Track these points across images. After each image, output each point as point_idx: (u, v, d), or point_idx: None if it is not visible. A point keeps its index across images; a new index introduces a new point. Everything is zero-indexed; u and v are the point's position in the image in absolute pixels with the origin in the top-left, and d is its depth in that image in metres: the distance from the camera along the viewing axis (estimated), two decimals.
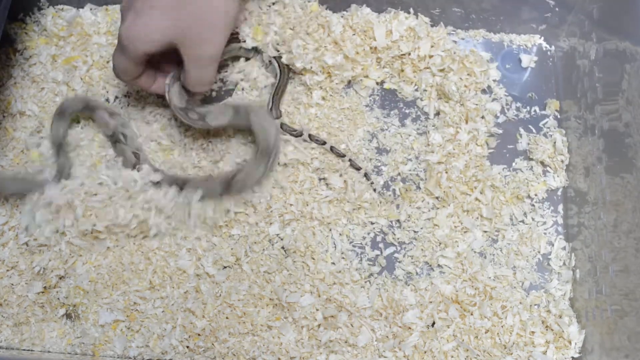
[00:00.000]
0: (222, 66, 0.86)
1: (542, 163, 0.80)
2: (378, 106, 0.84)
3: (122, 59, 0.69)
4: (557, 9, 0.82)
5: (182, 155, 0.80)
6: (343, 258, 0.75)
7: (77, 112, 0.79)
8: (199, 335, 0.71)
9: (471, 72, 0.82)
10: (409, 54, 0.83)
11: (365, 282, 0.74)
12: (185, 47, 0.68)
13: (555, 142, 0.80)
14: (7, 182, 0.76)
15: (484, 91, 0.83)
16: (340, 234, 0.76)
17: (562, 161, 0.80)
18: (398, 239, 0.76)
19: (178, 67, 0.73)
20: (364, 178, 0.78)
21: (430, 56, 0.83)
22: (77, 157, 0.79)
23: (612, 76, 0.70)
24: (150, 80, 0.74)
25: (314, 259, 0.75)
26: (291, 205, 0.77)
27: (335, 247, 0.76)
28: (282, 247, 0.76)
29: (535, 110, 0.84)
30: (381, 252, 0.76)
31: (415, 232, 0.77)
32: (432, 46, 0.83)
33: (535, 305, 0.73)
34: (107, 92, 0.84)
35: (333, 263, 0.75)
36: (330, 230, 0.76)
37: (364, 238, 0.77)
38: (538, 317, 0.72)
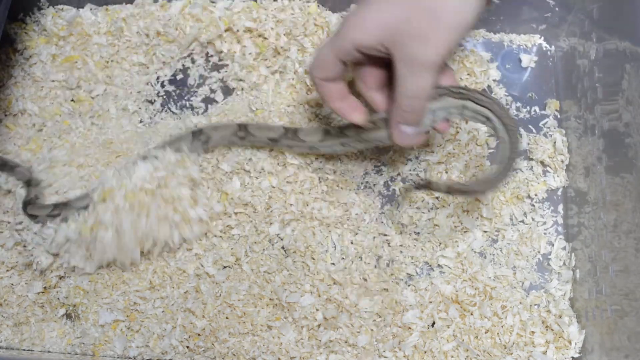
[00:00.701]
0: (221, 66, 0.86)
1: (542, 163, 0.80)
2: None
3: (327, 51, 0.61)
4: (557, 9, 0.82)
5: None
6: (343, 258, 0.75)
7: None
8: (199, 335, 0.71)
9: (471, 72, 0.83)
10: None
11: (365, 282, 0.74)
12: (401, 47, 0.57)
13: (555, 142, 0.80)
14: None
15: (484, 91, 0.83)
16: (339, 235, 0.76)
17: (562, 161, 0.80)
18: (398, 240, 0.76)
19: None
20: None
21: None
22: None
23: (612, 76, 0.70)
24: (338, 94, 0.64)
25: (314, 259, 0.75)
26: (291, 205, 0.77)
27: (335, 247, 0.76)
28: (282, 247, 0.76)
29: (535, 110, 0.84)
30: (381, 253, 0.76)
31: (415, 232, 0.77)
32: None
33: (535, 305, 0.73)
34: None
35: (333, 263, 0.75)
36: (330, 230, 0.76)
37: (364, 238, 0.76)
38: (538, 317, 0.72)
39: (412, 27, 0.56)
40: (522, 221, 0.78)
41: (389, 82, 0.64)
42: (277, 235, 0.76)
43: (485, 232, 0.77)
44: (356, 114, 0.66)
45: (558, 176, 0.80)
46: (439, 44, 0.56)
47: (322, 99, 0.66)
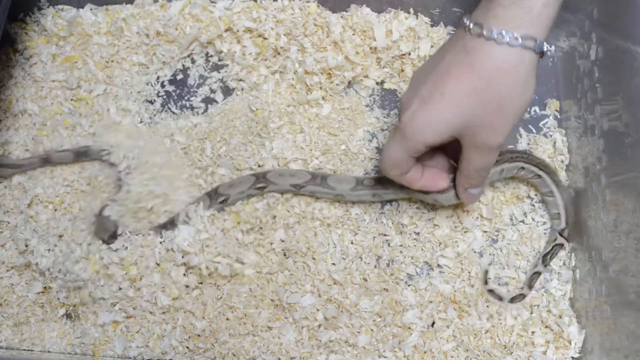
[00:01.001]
0: (221, 66, 0.86)
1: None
2: (378, 106, 0.84)
3: (397, 151, 0.63)
4: None
5: None
6: (344, 258, 0.75)
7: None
8: (198, 336, 0.71)
9: None
10: (409, 54, 0.83)
11: (366, 282, 0.74)
12: (470, 136, 0.61)
13: (555, 142, 0.80)
14: None
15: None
16: (340, 235, 0.76)
17: (562, 161, 0.80)
18: (398, 240, 0.76)
19: (445, 159, 0.70)
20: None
21: (431, 56, 0.83)
22: None
23: (612, 76, 0.70)
24: (417, 176, 0.67)
25: (314, 259, 0.75)
26: (293, 207, 0.77)
27: (335, 247, 0.76)
28: (283, 248, 0.75)
29: (535, 110, 0.84)
30: (381, 252, 0.76)
31: (415, 232, 0.77)
32: (432, 46, 0.83)
33: (535, 305, 0.73)
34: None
35: (334, 263, 0.75)
36: (330, 231, 0.76)
37: (364, 238, 0.76)
38: (538, 317, 0.72)
39: (481, 121, 0.60)
40: (522, 221, 0.78)
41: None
42: (281, 239, 0.76)
43: (485, 232, 0.77)
44: (441, 182, 0.69)
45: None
46: (504, 130, 0.61)
47: (405, 185, 0.69)
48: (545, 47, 0.59)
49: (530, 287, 0.72)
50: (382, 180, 0.73)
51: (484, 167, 0.65)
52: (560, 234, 0.75)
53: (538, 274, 0.73)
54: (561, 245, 0.75)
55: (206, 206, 0.74)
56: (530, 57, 0.58)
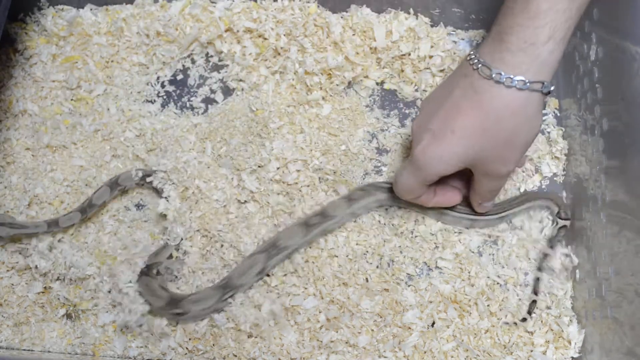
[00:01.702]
0: (221, 66, 0.87)
1: (541, 162, 0.80)
2: (378, 106, 0.84)
3: (411, 180, 0.67)
4: None
5: None
6: (350, 259, 0.75)
7: None
8: (198, 339, 0.71)
9: None
10: (409, 54, 0.83)
11: (367, 282, 0.74)
12: (481, 166, 0.64)
13: (554, 142, 0.80)
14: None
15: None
16: (345, 236, 0.76)
17: (562, 161, 0.80)
18: (397, 241, 0.76)
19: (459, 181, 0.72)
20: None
21: (430, 56, 0.83)
22: None
23: (612, 76, 0.70)
24: (431, 196, 0.71)
25: (319, 261, 0.75)
26: (294, 205, 0.77)
27: (338, 248, 0.75)
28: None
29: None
30: (382, 252, 0.76)
31: (415, 232, 0.77)
32: (432, 46, 0.83)
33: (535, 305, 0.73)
34: None
35: (338, 265, 0.75)
36: (336, 235, 0.76)
37: (366, 238, 0.76)
38: (538, 317, 0.72)
39: (491, 154, 0.62)
40: (522, 221, 0.78)
41: None
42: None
43: (485, 232, 0.77)
44: (454, 198, 0.73)
45: (557, 176, 0.80)
46: (513, 160, 0.64)
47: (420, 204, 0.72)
48: (552, 87, 0.60)
49: (536, 292, 0.73)
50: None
51: (496, 189, 0.69)
52: (559, 217, 0.76)
53: (538, 279, 0.74)
54: (564, 227, 0.75)
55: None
56: (538, 97, 0.60)
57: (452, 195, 0.72)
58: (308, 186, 0.78)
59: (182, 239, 0.74)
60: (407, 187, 0.68)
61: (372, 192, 0.75)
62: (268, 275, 0.74)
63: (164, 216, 0.76)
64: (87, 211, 0.76)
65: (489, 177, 0.66)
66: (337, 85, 0.83)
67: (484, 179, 0.67)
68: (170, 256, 0.74)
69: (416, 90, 0.84)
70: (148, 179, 0.77)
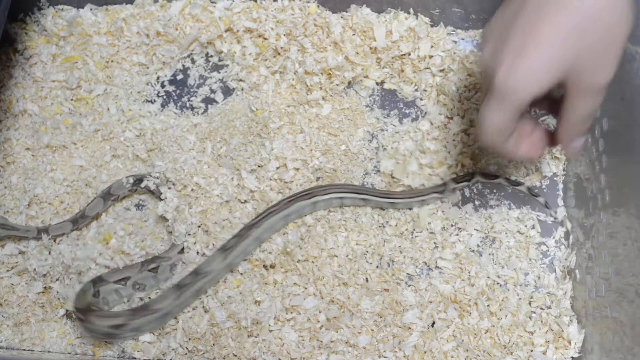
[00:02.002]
0: (221, 66, 0.87)
1: (541, 162, 0.80)
2: (378, 106, 0.84)
3: (500, 113, 0.58)
4: None
5: None
6: (350, 259, 0.75)
7: None
8: (198, 339, 0.71)
9: (471, 72, 0.82)
10: (409, 54, 0.83)
11: (367, 282, 0.74)
12: (574, 80, 0.57)
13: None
14: None
15: None
16: (345, 237, 0.76)
17: (562, 161, 0.80)
18: (397, 241, 0.76)
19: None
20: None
21: (430, 56, 0.83)
22: None
23: (612, 76, 0.70)
24: (519, 141, 0.62)
25: (319, 262, 0.75)
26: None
27: (338, 248, 0.75)
28: (286, 249, 0.75)
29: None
30: (382, 252, 0.76)
31: (412, 233, 0.77)
32: (432, 46, 0.83)
33: (535, 305, 0.73)
34: None
35: (338, 265, 0.75)
36: (336, 235, 0.76)
37: (366, 238, 0.76)
38: (538, 317, 0.72)
39: (587, 64, 0.56)
40: (522, 221, 0.78)
41: None
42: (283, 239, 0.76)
43: (477, 230, 0.77)
44: (541, 144, 0.64)
45: (557, 175, 0.80)
46: (611, 66, 0.57)
47: (507, 157, 0.66)
48: None
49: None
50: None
51: (590, 113, 0.60)
52: (456, 182, 0.77)
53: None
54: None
55: None
56: None
57: (538, 140, 0.64)
58: (305, 185, 0.78)
59: (187, 234, 0.75)
60: (496, 124, 0.59)
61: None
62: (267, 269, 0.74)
63: (164, 217, 0.76)
64: (79, 222, 0.77)
65: (584, 93, 0.57)
66: (337, 85, 0.83)
67: (578, 100, 0.58)
68: (182, 250, 0.74)
69: (416, 90, 0.84)
70: (142, 184, 0.77)
